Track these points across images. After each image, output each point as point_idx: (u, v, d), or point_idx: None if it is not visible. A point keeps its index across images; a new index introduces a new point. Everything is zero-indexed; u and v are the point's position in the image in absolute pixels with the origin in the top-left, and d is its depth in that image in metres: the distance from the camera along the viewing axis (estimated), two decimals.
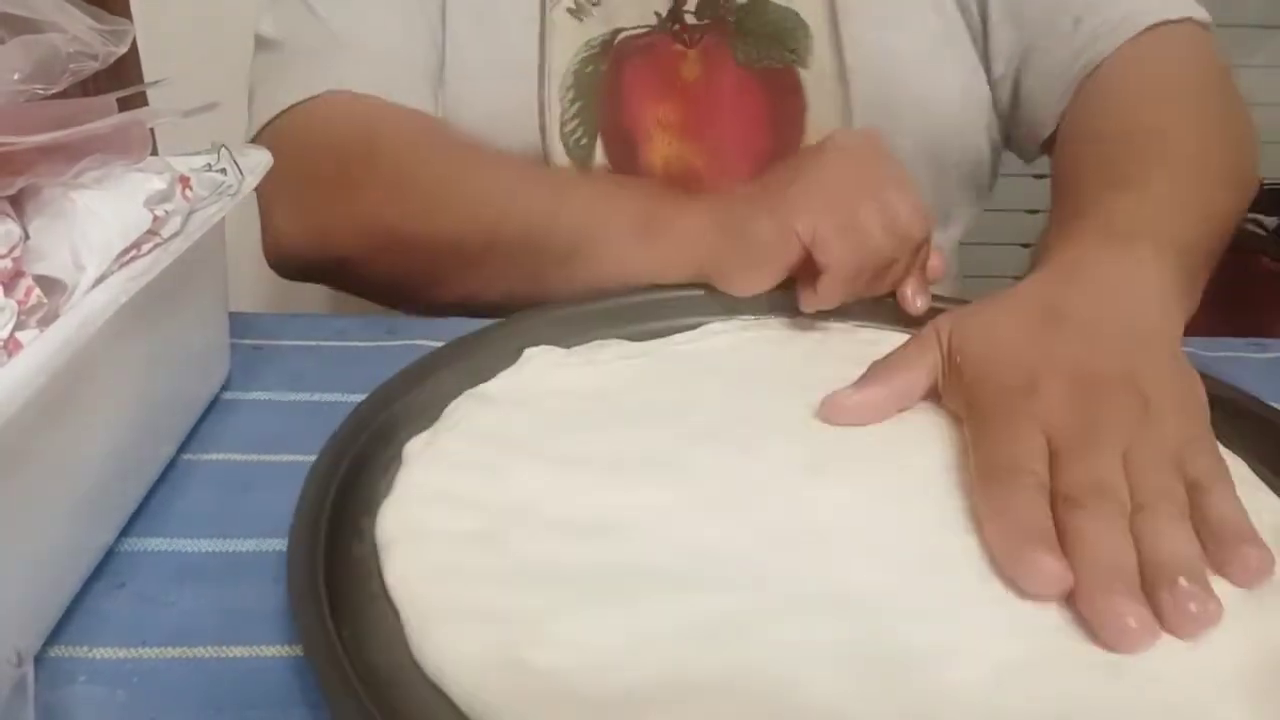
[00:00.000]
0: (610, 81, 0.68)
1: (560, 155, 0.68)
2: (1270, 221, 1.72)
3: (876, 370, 0.48)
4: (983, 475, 0.41)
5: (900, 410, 0.47)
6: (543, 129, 0.68)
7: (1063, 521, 0.37)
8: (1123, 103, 0.63)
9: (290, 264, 0.66)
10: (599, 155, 0.69)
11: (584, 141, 0.68)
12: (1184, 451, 0.40)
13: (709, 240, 0.56)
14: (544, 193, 0.60)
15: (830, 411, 0.47)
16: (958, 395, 0.46)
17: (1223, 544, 0.37)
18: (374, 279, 0.64)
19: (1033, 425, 0.41)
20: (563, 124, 0.68)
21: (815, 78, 0.67)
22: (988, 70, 0.70)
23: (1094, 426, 0.40)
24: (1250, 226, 1.71)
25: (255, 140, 0.67)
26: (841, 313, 0.56)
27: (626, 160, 0.69)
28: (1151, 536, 0.37)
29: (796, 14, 0.67)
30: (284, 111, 0.65)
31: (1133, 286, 0.47)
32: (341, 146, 0.64)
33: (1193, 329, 0.59)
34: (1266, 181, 1.75)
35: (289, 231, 0.63)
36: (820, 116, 0.68)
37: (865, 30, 0.67)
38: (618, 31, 0.68)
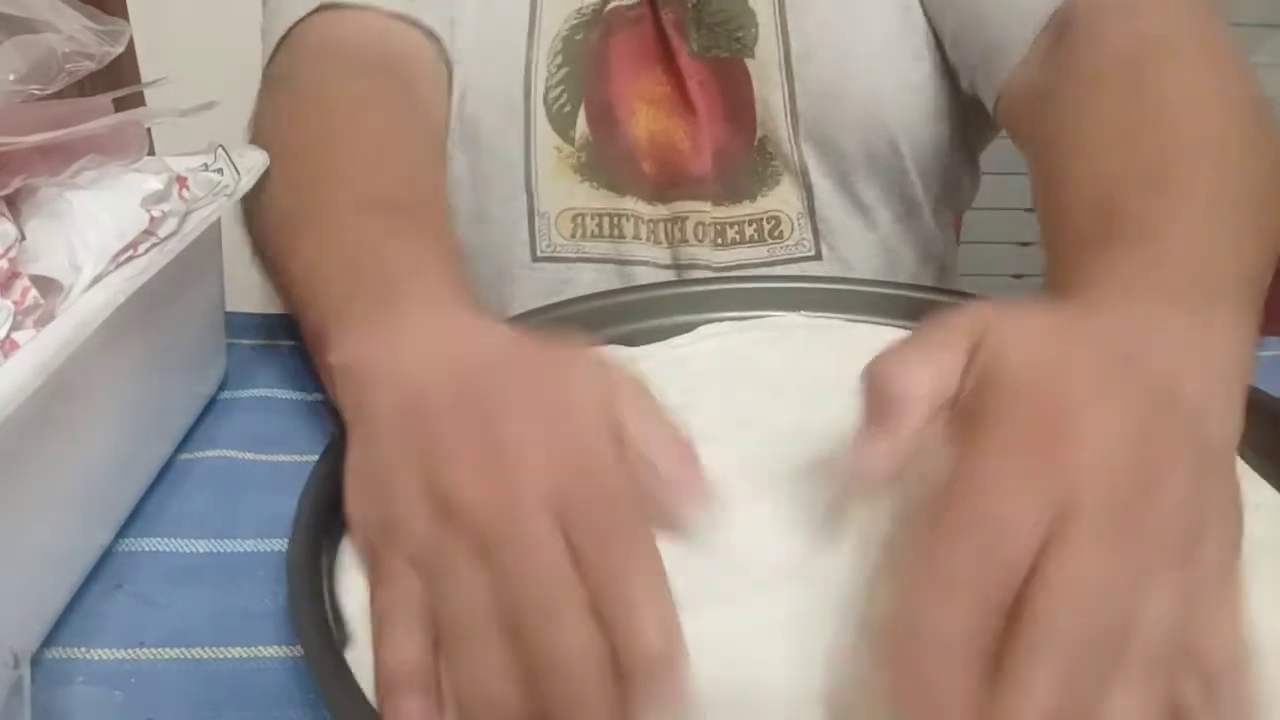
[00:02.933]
0: (598, 51, 0.68)
1: (542, 121, 0.68)
2: None
3: (886, 393, 0.35)
4: (936, 525, 0.30)
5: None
6: (527, 91, 0.67)
7: (1011, 632, 0.27)
8: (1115, 64, 0.50)
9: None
10: (581, 124, 0.68)
11: (567, 109, 0.68)
12: (1204, 617, 0.29)
13: (350, 391, 0.41)
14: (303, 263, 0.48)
15: (870, 477, 0.35)
16: (972, 405, 0.33)
17: None
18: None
19: (1054, 474, 0.29)
20: (548, 89, 0.68)
21: (760, 67, 0.67)
22: (939, 36, 0.66)
23: (1137, 515, 0.29)
24: None
25: (263, 81, 0.64)
26: (835, 306, 0.56)
27: (607, 132, 0.69)
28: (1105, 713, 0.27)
29: (745, 2, 0.67)
30: (279, 41, 0.62)
31: (1212, 369, 0.35)
32: (274, 109, 0.60)
33: None
34: None
35: None
36: (768, 108, 0.67)
37: (813, 22, 0.66)
38: (608, 0, 0.68)
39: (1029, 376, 0.32)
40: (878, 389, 0.35)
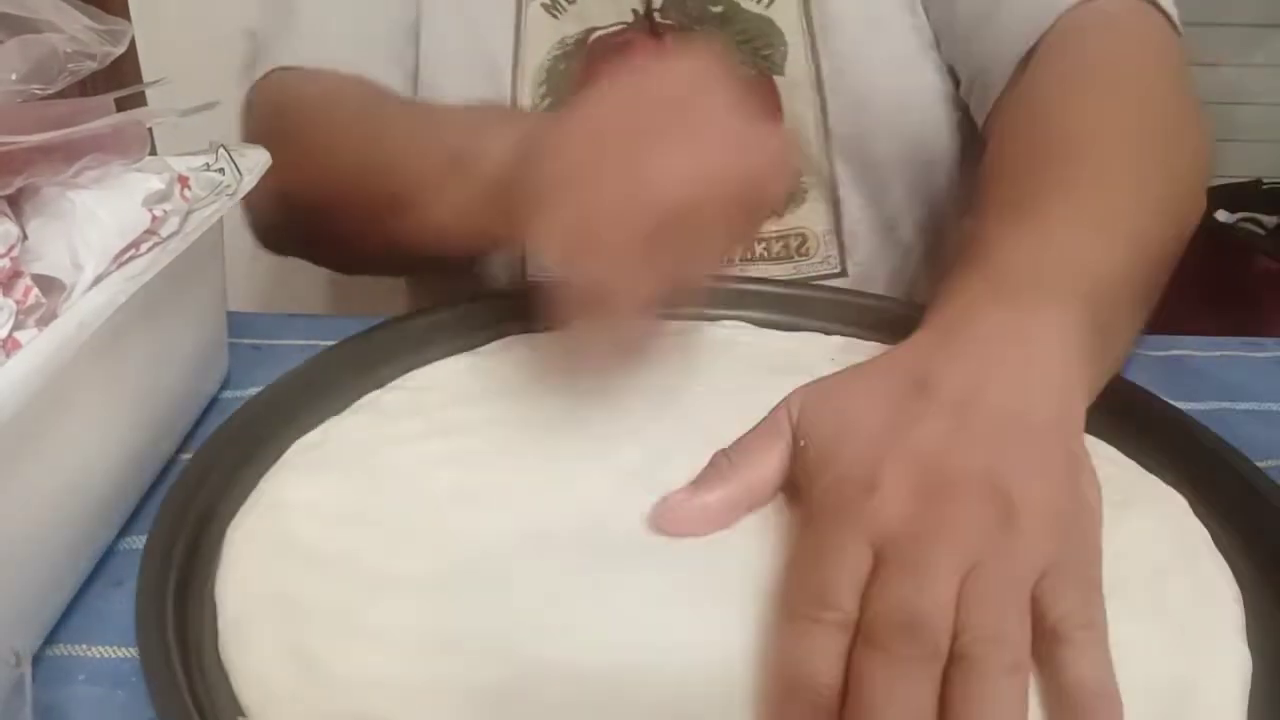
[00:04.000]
0: (582, 80, 0.67)
1: None
2: (1270, 221, 1.72)
3: (719, 465, 0.39)
4: (786, 605, 0.34)
5: (750, 511, 0.40)
6: None
7: (854, 667, 0.31)
8: (1045, 93, 0.53)
9: (257, 231, 0.68)
10: None
11: None
12: (1047, 581, 0.32)
13: (507, 183, 0.46)
14: (393, 135, 0.55)
15: (665, 520, 0.39)
16: (801, 483, 0.39)
17: (1076, 716, 0.30)
18: (302, 235, 0.64)
19: (859, 535, 0.33)
20: None
21: (790, 85, 0.67)
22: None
23: (930, 539, 0.32)
24: (1250, 226, 1.71)
25: (242, 125, 0.68)
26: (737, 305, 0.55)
27: None
28: (962, 702, 0.29)
29: (772, 21, 0.67)
30: (251, 90, 0.67)
31: (1024, 356, 0.38)
32: (266, 114, 0.66)
33: (1191, 328, 0.60)
34: (1266, 181, 1.76)
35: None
36: (798, 124, 0.67)
37: (842, 38, 0.66)
38: (591, 30, 0.68)
39: (829, 447, 0.37)
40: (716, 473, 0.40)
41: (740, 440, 0.40)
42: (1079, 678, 0.31)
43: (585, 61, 0.68)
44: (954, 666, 0.30)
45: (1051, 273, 0.40)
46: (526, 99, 0.68)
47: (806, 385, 0.40)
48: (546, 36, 0.68)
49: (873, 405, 0.37)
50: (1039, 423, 0.36)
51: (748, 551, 0.38)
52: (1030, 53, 0.57)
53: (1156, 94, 0.52)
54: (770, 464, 0.39)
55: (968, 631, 0.31)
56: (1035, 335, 0.38)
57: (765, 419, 0.40)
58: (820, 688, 0.31)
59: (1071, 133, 0.48)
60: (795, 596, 0.34)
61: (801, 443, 0.38)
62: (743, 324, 0.55)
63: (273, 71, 0.66)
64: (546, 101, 0.68)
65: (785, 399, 0.40)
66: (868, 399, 0.38)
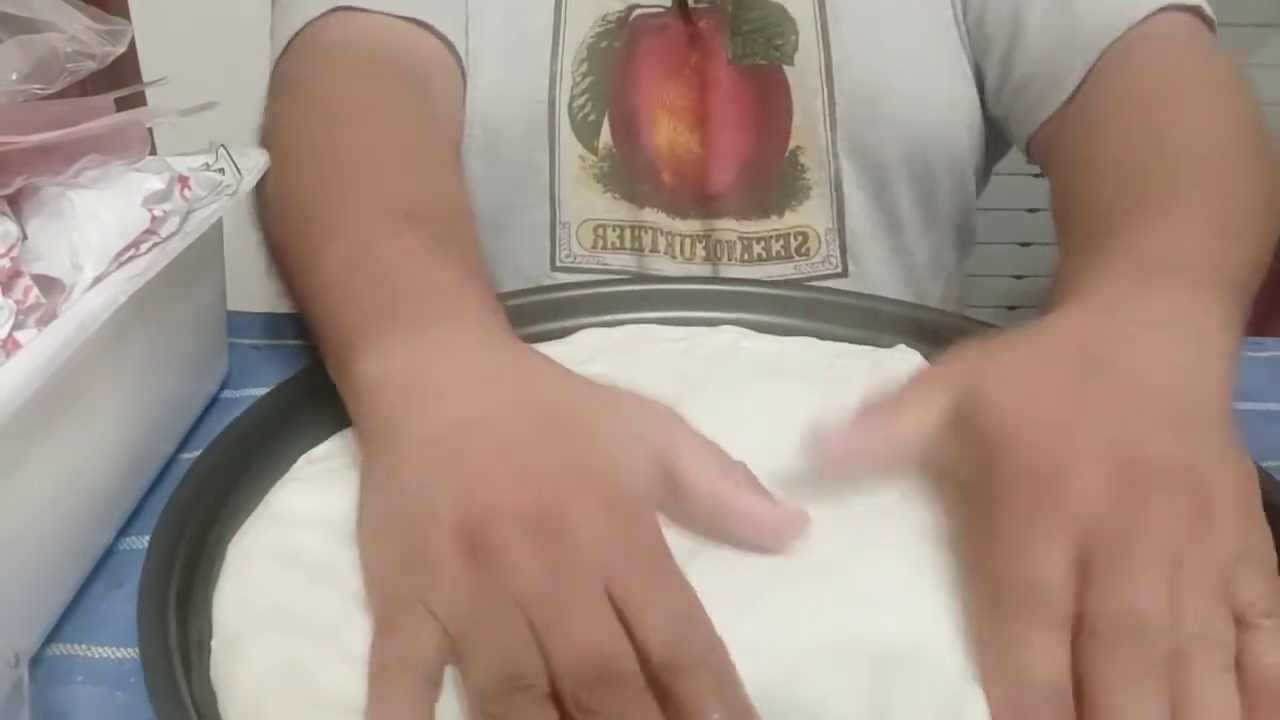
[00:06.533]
0: (623, 59, 0.67)
1: (567, 130, 0.67)
2: None
3: (872, 411, 0.39)
4: (991, 601, 0.34)
5: (896, 463, 0.39)
6: (552, 102, 0.67)
7: (1086, 664, 0.31)
8: (1136, 102, 0.55)
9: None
10: (605, 134, 0.68)
11: (591, 118, 0.68)
12: (1237, 571, 0.32)
13: (380, 404, 0.39)
14: (323, 287, 0.45)
15: (827, 453, 0.38)
16: (969, 458, 0.37)
17: (1266, 705, 0.31)
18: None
19: (1061, 530, 0.33)
20: (572, 98, 0.67)
21: (800, 75, 0.66)
22: (979, 65, 0.67)
23: (1137, 534, 0.32)
24: None
25: (272, 81, 0.62)
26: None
27: (630, 142, 0.68)
28: (1187, 702, 0.30)
29: (784, 9, 0.66)
30: (290, 41, 0.61)
31: (1193, 342, 0.38)
32: (289, 105, 0.58)
33: None
34: None
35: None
36: (805, 116, 0.67)
37: (854, 28, 0.66)
38: (633, 8, 0.67)
39: (1009, 426, 0.36)
40: (869, 428, 0.39)
41: (895, 394, 0.39)
42: (1274, 663, 0.31)
43: (627, 40, 0.67)
44: (1176, 666, 0.31)
45: (1191, 260, 0.41)
46: (567, 75, 0.66)
47: (972, 350, 0.39)
48: (589, 11, 0.67)
49: (1050, 383, 0.37)
50: (1208, 401, 0.37)
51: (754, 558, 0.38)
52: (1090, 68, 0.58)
53: (1244, 107, 0.54)
54: (929, 418, 0.38)
55: (1184, 628, 0.31)
56: (1198, 321, 0.39)
57: (922, 376, 0.39)
58: (1057, 692, 0.31)
59: (1170, 136, 0.51)
60: (1002, 594, 0.33)
61: (974, 415, 0.37)
62: (741, 329, 0.54)
63: (332, 12, 0.59)
64: (587, 80, 0.67)
65: (945, 361, 0.39)
66: (1044, 375, 0.37)
